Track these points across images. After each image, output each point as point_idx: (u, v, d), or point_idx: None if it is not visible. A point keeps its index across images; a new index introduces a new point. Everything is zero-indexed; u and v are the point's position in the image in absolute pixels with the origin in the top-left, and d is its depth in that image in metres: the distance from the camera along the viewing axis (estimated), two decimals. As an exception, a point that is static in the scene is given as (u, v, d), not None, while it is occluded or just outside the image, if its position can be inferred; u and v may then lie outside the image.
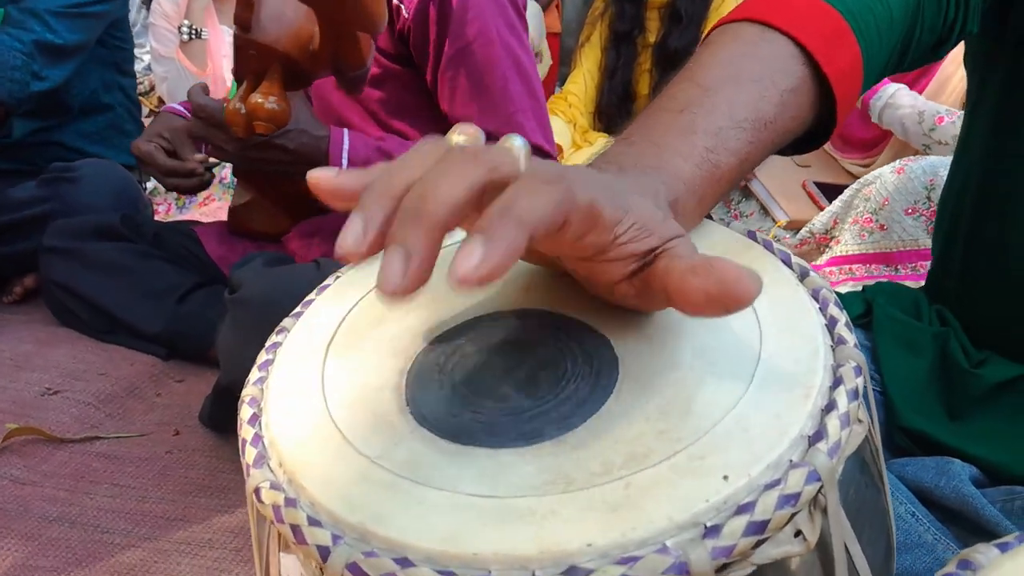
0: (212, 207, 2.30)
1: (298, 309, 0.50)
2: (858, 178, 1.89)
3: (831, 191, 2.05)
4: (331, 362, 0.45)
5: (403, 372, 0.43)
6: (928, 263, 1.69)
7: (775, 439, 0.35)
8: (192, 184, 1.55)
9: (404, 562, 0.33)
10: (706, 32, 0.62)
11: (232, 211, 1.61)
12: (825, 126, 0.59)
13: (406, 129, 1.43)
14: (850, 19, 0.59)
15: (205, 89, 1.38)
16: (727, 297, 0.35)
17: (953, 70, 1.97)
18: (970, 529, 0.68)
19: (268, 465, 0.40)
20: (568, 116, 2.58)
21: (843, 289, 1.66)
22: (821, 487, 0.34)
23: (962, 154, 0.85)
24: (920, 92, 2.02)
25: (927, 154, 1.92)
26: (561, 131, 2.52)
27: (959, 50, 0.81)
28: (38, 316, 1.72)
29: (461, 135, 0.40)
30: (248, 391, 0.45)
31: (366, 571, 0.33)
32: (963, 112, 0.87)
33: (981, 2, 0.69)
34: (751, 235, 0.49)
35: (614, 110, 2.57)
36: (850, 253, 1.80)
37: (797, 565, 0.35)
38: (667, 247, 0.40)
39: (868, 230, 1.78)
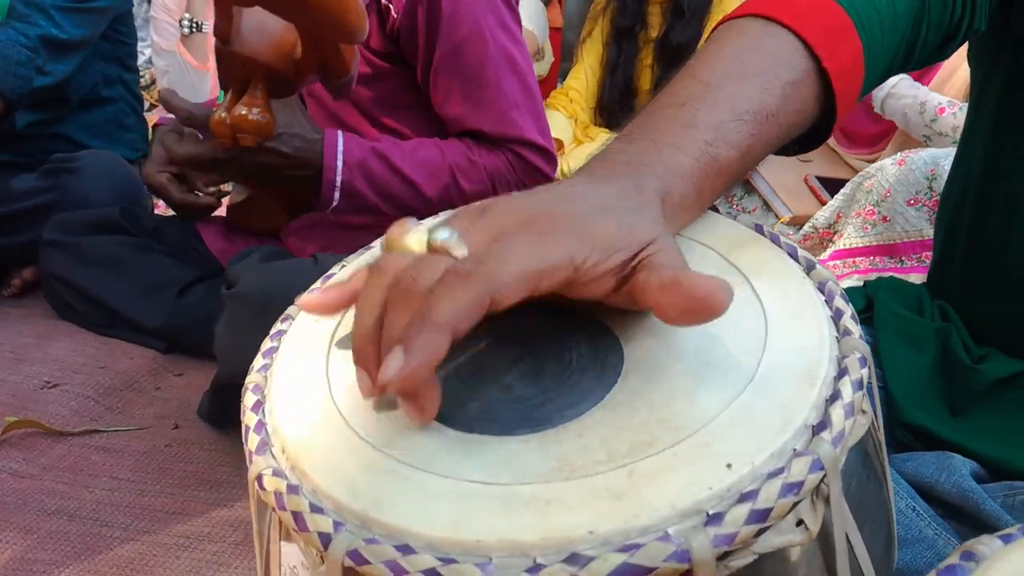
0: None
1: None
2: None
3: (833, 185, 2.05)
4: (336, 350, 0.45)
5: None
6: (931, 253, 1.69)
7: (779, 428, 0.35)
8: (203, 212, 1.56)
9: (405, 549, 0.33)
10: (710, 28, 0.62)
11: (230, 208, 1.61)
12: (827, 122, 0.59)
13: (401, 126, 1.42)
14: (853, 14, 0.59)
15: (174, 94, 1.37)
16: (700, 310, 0.37)
17: (959, 62, 1.97)
18: (971, 524, 0.68)
19: (271, 452, 0.40)
20: (569, 111, 2.58)
21: (848, 283, 1.66)
22: (824, 476, 0.34)
23: (964, 153, 0.85)
24: (928, 82, 2.01)
25: (928, 146, 1.92)
26: (562, 126, 2.52)
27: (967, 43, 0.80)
28: (38, 309, 1.72)
29: (404, 236, 0.42)
30: (252, 378, 0.45)
31: (367, 558, 0.33)
32: (965, 104, 0.87)
33: (988, 1, 0.69)
34: (758, 228, 0.49)
35: (615, 105, 2.57)
36: (854, 246, 1.80)
37: (798, 555, 0.35)
38: (643, 256, 0.41)
39: (871, 223, 1.77)
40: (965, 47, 0.81)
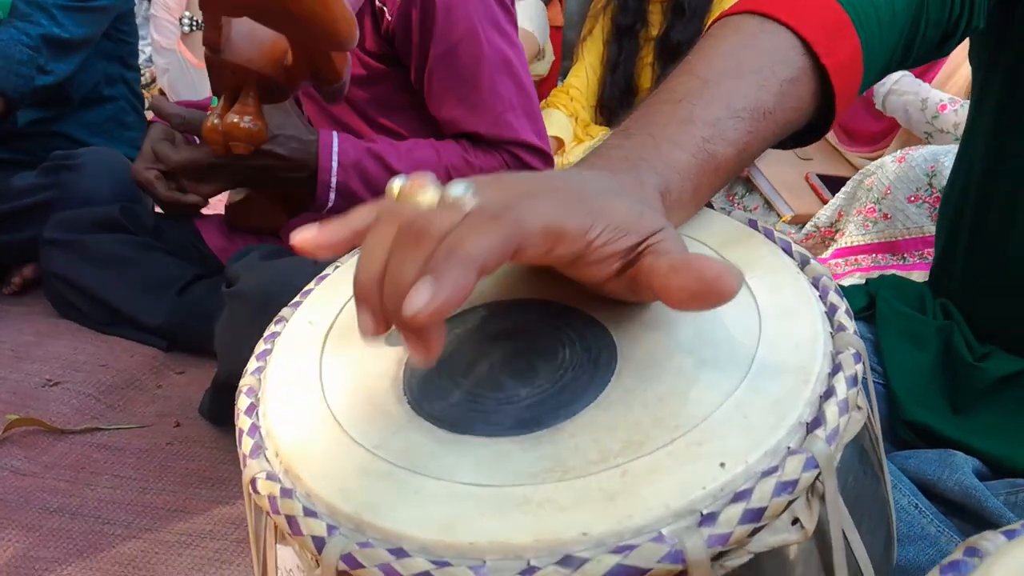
0: (212, 199, 2.30)
1: (297, 299, 0.50)
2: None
3: (834, 183, 2.04)
4: (329, 352, 0.45)
5: (401, 362, 0.43)
6: (933, 250, 1.68)
7: (773, 426, 0.35)
8: (189, 210, 1.54)
9: (399, 552, 0.32)
10: (708, 25, 0.62)
11: (229, 208, 1.61)
12: (825, 118, 0.59)
13: (397, 127, 1.42)
14: (850, 11, 0.59)
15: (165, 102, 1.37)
16: (709, 293, 0.36)
17: (961, 60, 1.96)
18: (973, 522, 0.68)
19: (265, 455, 0.40)
20: (570, 110, 2.57)
21: (850, 280, 1.66)
22: (819, 474, 0.34)
23: (965, 151, 0.84)
24: (931, 79, 2.01)
25: (929, 142, 1.91)
26: (562, 125, 2.51)
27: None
28: (38, 308, 1.72)
29: (413, 189, 0.40)
30: (246, 381, 0.44)
31: (361, 562, 0.33)
32: (966, 101, 0.87)
33: None
34: (752, 223, 0.48)
35: (616, 104, 2.56)
36: (855, 244, 1.79)
37: (794, 553, 0.35)
38: (650, 243, 0.40)
39: (872, 220, 1.77)
40: (966, 45, 0.81)
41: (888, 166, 1.76)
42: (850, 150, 2.25)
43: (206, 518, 1.16)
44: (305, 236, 0.41)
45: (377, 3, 1.30)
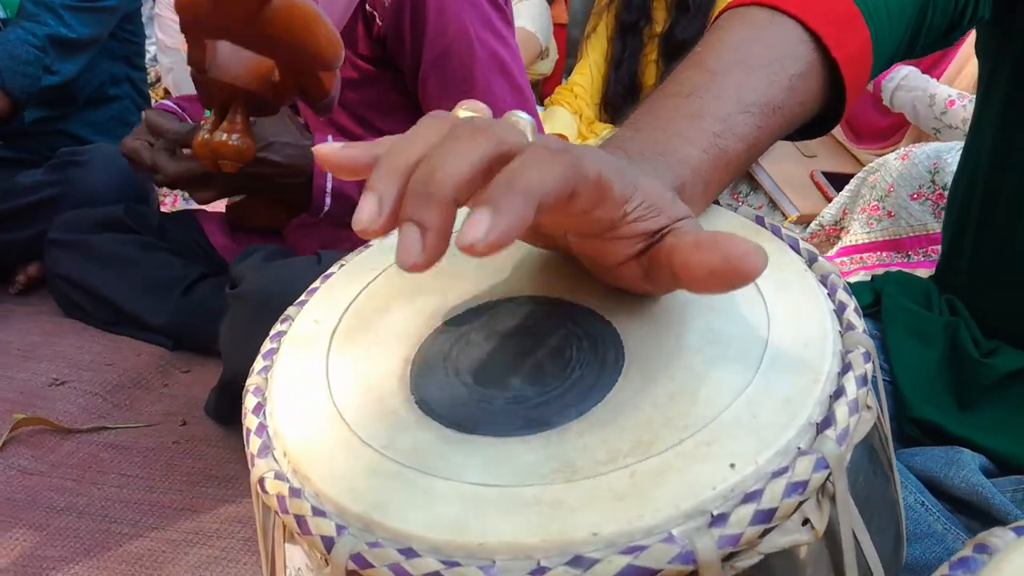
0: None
1: (303, 297, 0.50)
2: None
3: (839, 180, 2.04)
4: (336, 350, 0.45)
5: (408, 361, 0.43)
6: (939, 247, 1.68)
7: (783, 426, 0.34)
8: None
9: (409, 552, 0.32)
10: (715, 15, 0.61)
11: (229, 208, 1.61)
12: (834, 111, 0.59)
13: (394, 128, 1.40)
14: (859, 2, 0.58)
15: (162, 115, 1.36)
16: (732, 272, 0.35)
17: (970, 54, 1.96)
18: (980, 519, 0.68)
19: (273, 455, 0.39)
20: (574, 107, 2.57)
21: (855, 278, 1.65)
22: (829, 475, 0.34)
23: (972, 145, 0.84)
24: (940, 74, 2.00)
25: (938, 138, 1.91)
26: (567, 122, 2.51)
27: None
28: (44, 307, 1.73)
29: (468, 110, 0.39)
30: (252, 380, 0.44)
31: (370, 561, 0.33)
32: (975, 96, 0.87)
33: None
34: (759, 220, 0.48)
35: (620, 101, 2.56)
36: (860, 243, 1.79)
37: (805, 554, 0.35)
38: (675, 226, 0.39)
39: (876, 218, 1.77)
40: (973, 38, 0.81)
41: (891, 163, 1.75)
42: (858, 147, 2.24)
43: (213, 516, 1.16)
44: (329, 149, 0.38)
45: (367, 8, 1.29)
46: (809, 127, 0.59)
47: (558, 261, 0.47)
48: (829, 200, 2.00)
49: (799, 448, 0.34)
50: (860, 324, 0.40)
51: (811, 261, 0.45)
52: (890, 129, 2.15)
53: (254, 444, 0.40)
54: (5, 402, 1.40)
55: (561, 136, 2.47)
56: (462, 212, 0.33)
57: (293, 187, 1.30)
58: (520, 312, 0.44)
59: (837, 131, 2.21)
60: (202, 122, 1.20)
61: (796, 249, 0.46)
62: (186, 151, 1.30)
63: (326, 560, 0.34)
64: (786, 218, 2.09)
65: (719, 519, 0.32)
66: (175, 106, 1.55)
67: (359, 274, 0.50)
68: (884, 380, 0.79)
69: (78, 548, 1.10)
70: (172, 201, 2.35)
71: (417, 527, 0.33)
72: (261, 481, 0.38)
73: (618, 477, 0.34)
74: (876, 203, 1.77)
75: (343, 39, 1.30)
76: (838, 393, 0.36)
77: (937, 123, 1.92)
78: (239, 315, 1.22)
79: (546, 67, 2.92)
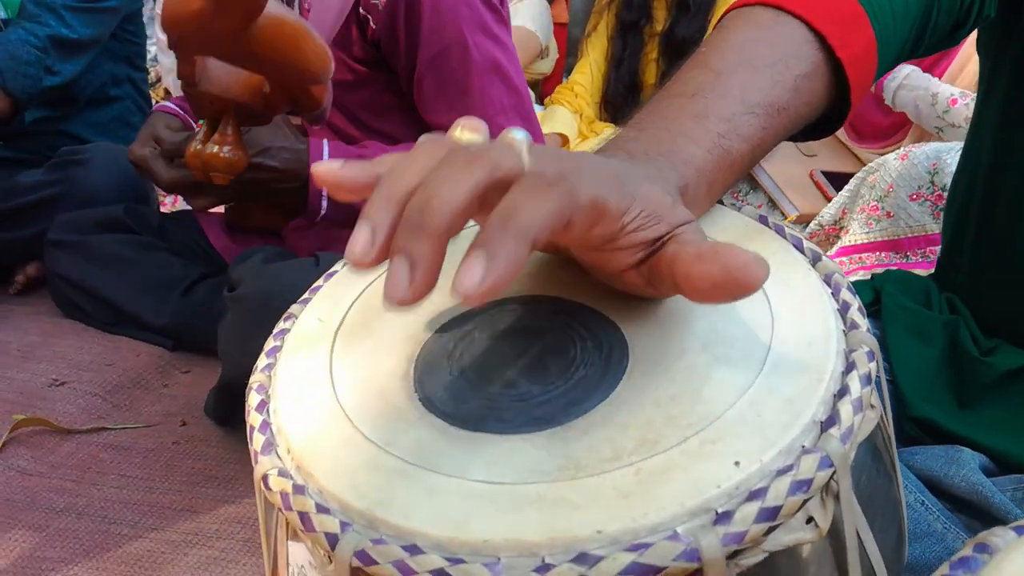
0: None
1: (306, 295, 0.50)
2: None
3: (839, 180, 2.03)
4: (339, 349, 0.45)
5: (412, 358, 0.43)
6: (937, 248, 1.67)
7: (787, 424, 0.34)
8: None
9: (413, 549, 0.32)
10: (715, 22, 0.61)
11: (228, 210, 1.61)
12: (839, 111, 0.59)
13: (390, 128, 1.41)
14: (864, 2, 0.58)
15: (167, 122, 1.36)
16: (733, 283, 0.35)
17: (972, 52, 1.95)
18: (980, 518, 0.68)
19: (276, 452, 0.40)
20: (574, 106, 2.57)
21: (854, 278, 1.65)
22: (833, 473, 0.34)
23: (972, 145, 0.84)
24: (941, 73, 2.00)
25: (940, 137, 1.91)
26: (567, 122, 2.51)
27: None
28: (44, 307, 1.72)
29: (464, 131, 0.39)
30: (256, 378, 0.44)
31: (375, 558, 0.33)
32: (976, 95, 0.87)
33: None
34: (763, 220, 0.48)
35: (621, 100, 2.56)
36: (859, 242, 1.79)
37: (808, 552, 0.35)
38: (676, 233, 0.39)
39: (875, 218, 1.77)
40: (975, 36, 0.81)
41: (891, 163, 1.75)
42: (860, 146, 2.24)
43: (212, 517, 1.16)
44: (327, 169, 0.38)
45: (361, 11, 1.29)
46: (814, 128, 0.59)
47: (562, 261, 0.47)
48: (828, 200, 2.00)
49: (803, 446, 0.34)
50: (864, 323, 0.40)
51: (815, 261, 0.45)
52: (891, 128, 2.15)
53: (257, 441, 0.40)
54: (5, 403, 1.40)
55: (562, 136, 2.47)
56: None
57: (289, 192, 1.29)
58: (524, 311, 0.45)
59: (840, 130, 2.21)
60: (196, 129, 1.20)
61: (800, 249, 0.46)
62: (176, 170, 1.30)
63: (330, 557, 0.34)
64: (785, 218, 2.09)
65: (723, 517, 0.32)
66: (176, 107, 1.55)
67: (363, 273, 0.50)
68: (884, 379, 0.79)
69: (77, 549, 1.10)
70: (172, 201, 2.34)
71: (421, 524, 0.33)
72: (264, 478, 0.38)
73: (622, 475, 0.34)
74: (875, 203, 1.77)
75: (336, 42, 1.30)
76: (842, 392, 0.36)
77: (939, 122, 1.91)
78: (237, 318, 1.22)
79: (546, 66, 2.92)
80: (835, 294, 0.42)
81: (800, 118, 0.54)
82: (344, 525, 0.34)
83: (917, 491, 0.69)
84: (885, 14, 0.59)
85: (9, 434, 1.30)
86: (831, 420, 0.35)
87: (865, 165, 1.90)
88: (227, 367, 1.26)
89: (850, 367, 0.38)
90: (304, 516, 0.35)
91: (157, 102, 2.84)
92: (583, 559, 0.31)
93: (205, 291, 1.58)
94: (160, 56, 2.89)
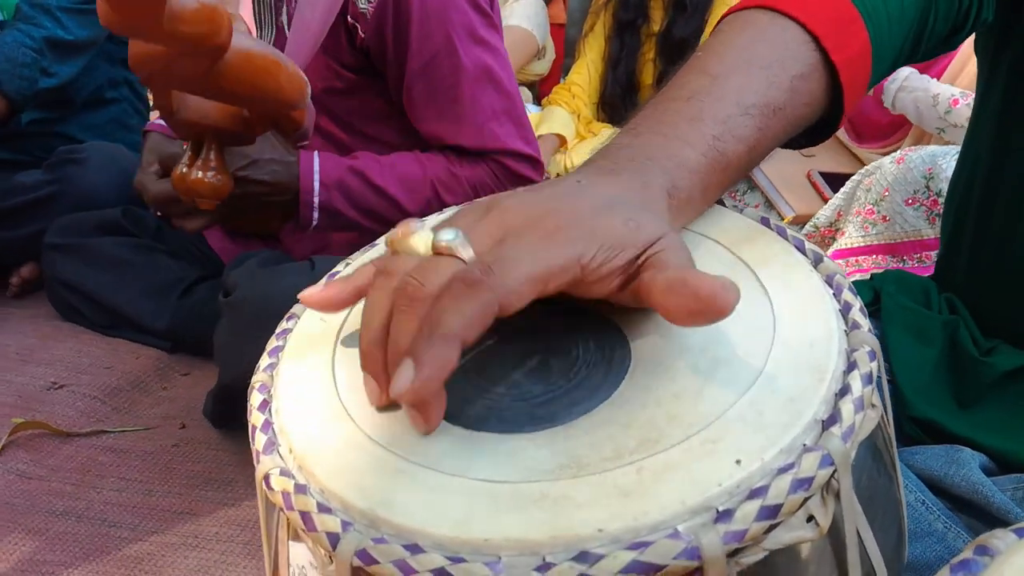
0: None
1: None
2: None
3: (836, 181, 2.03)
4: (341, 348, 0.45)
5: None
6: (933, 253, 1.67)
7: (788, 423, 0.35)
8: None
9: (414, 548, 0.32)
10: (712, 21, 0.61)
11: None
12: (836, 114, 0.59)
13: (382, 134, 1.41)
14: (859, 6, 0.59)
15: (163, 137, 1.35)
16: (707, 310, 0.37)
17: (971, 53, 1.95)
18: (981, 517, 0.68)
19: (278, 452, 0.40)
20: (572, 107, 2.57)
21: (851, 280, 1.65)
22: (834, 472, 0.34)
23: (970, 145, 0.84)
24: (938, 74, 2.00)
25: (942, 138, 1.91)
26: (565, 122, 2.51)
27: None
28: (42, 311, 1.72)
29: (403, 239, 0.41)
30: (258, 377, 0.44)
31: (375, 558, 0.33)
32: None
33: None
34: (764, 221, 0.48)
35: (618, 100, 2.56)
36: (855, 245, 1.79)
37: (809, 550, 0.35)
38: (649, 255, 0.40)
39: (871, 222, 1.77)
40: (973, 37, 0.81)
41: (886, 167, 1.75)
42: (860, 146, 2.24)
43: (212, 520, 1.16)
44: (311, 294, 0.44)
45: (349, 19, 1.28)
46: (811, 132, 0.59)
47: None
48: (825, 201, 2.00)
49: (804, 445, 0.34)
50: (865, 323, 0.40)
51: (817, 262, 0.45)
52: (891, 127, 2.15)
53: (259, 441, 0.40)
54: (3, 406, 1.40)
55: (559, 137, 2.47)
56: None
57: (280, 204, 1.29)
58: (526, 312, 0.44)
59: (840, 130, 2.21)
60: (182, 146, 1.19)
61: (802, 250, 0.46)
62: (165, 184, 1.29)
63: (331, 557, 0.34)
64: (782, 218, 2.09)
65: (724, 515, 0.32)
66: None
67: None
68: (884, 379, 0.79)
69: (77, 552, 1.09)
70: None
71: (422, 523, 0.33)
72: (267, 478, 0.38)
73: (624, 473, 0.34)
74: (871, 207, 1.77)
75: (326, 50, 1.29)
76: (843, 391, 0.37)
77: (941, 123, 1.91)
78: (232, 323, 1.22)
79: (543, 67, 2.92)
80: (837, 295, 0.42)
81: (798, 119, 0.54)
82: (345, 524, 0.34)
83: (918, 491, 0.69)
84: (880, 18, 0.59)
85: (8, 437, 1.30)
86: (832, 419, 0.35)
87: (865, 165, 1.90)
88: (223, 371, 1.26)
89: (851, 366, 0.38)
90: (305, 515, 0.35)
91: (150, 122, 2.83)
92: (584, 557, 0.31)
93: (203, 293, 1.58)
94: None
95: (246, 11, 1.39)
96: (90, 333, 1.63)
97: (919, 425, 0.77)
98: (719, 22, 0.60)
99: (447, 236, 0.39)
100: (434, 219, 0.45)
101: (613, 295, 0.41)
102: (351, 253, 0.54)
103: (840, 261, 1.80)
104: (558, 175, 2.35)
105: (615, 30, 2.57)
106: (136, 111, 2.14)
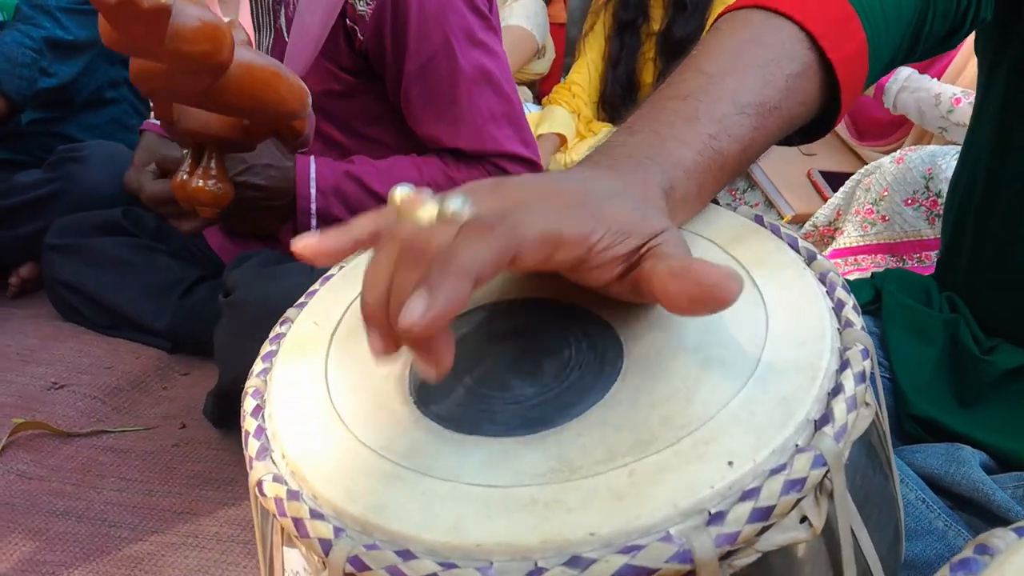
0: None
1: (302, 299, 0.50)
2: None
3: (837, 180, 2.03)
4: (335, 352, 0.45)
5: (406, 362, 0.43)
6: (933, 253, 1.67)
7: (781, 423, 0.34)
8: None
9: (406, 554, 0.32)
10: (712, 20, 0.61)
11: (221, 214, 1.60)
12: (832, 112, 0.59)
13: (381, 136, 1.40)
14: (856, 4, 0.58)
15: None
16: (709, 299, 0.36)
17: (972, 52, 1.95)
18: (981, 516, 0.68)
19: (271, 457, 0.39)
20: (572, 106, 2.57)
21: (850, 279, 1.65)
22: (827, 472, 0.34)
23: (970, 144, 0.84)
24: (937, 73, 2.00)
25: (944, 137, 1.90)
26: (565, 121, 2.51)
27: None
28: (42, 311, 1.72)
29: (400, 195, 0.41)
30: (251, 382, 0.44)
31: (368, 564, 0.32)
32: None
33: None
34: (758, 219, 0.48)
35: (618, 100, 2.56)
36: (854, 245, 1.79)
37: (803, 551, 0.35)
38: (651, 245, 0.40)
39: (870, 222, 1.77)
40: (973, 36, 0.81)
41: (886, 167, 1.75)
42: (861, 144, 2.24)
43: (212, 520, 1.16)
44: (306, 243, 0.42)
45: (348, 22, 1.28)
46: (807, 130, 0.59)
47: None
48: (825, 200, 2.00)
49: (797, 445, 0.34)
50: (859, 321, 0.40)
51: (810, 259, 0.45)
52: (892, 125, 2.14)
53: (252, 447, 0.40)
54: (4, 406, 1.40)
55: (560, 136, 2.47)
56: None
57: (276, 209, 1.29)
58: (518, 313, 0.44)
59: (840, 128, 2.20)
60: (182, 152, 1.19)
61: (795, 248, 0.46)
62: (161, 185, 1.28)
63: (324, 563, 0.34)
64: (781, 217, 2.09)
65: (717, 517, 0.32)
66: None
67: (358, 276, 0.49)
68: (884, 377, 0.79)
69: (77, 552, 1.10)
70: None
71: (414, 529, 0.33)
72: (259, 484, 0.38)
73: (616, 476, 0.34)
74: (870, 206, 1.76)
75: (325, 53, 1.29)
76: (836, 390, 0.36)
77: (944, 122, 1.91)
78: (233, 323, 1.22)
79: (543, 66, 2.92)
80: (830, 292, 0.42)
81: (794, 118, 0.54)
82: (338, 531, 0.34)
83: (918, 489, 0.69)
84: (877, 17, 0.59)
85: (8, 438, 1.30)
86: (825, 418, 0.35)
87: (866, 164, 1.90)
88: (224, 372, 1.26)
89: (844, 365, 0.37)
90: (298, 522, 0.35)
91: (147, 120, 2.83)
92: (576, 562, 0.31)
93: (204, 293, 1.58)
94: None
95: (244, 13, 1.39)
96: (90, 333, 1.63)
97: (920, 423, 0.77)
98: (715, 21, 0.60)
99: (454, 203, 0.39)
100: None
101: (611, 284, 0.41)
102: None
103: (839, 260, 1.79)
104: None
105: (615, 29, 2.56)
106: (136, 111, 2.15)
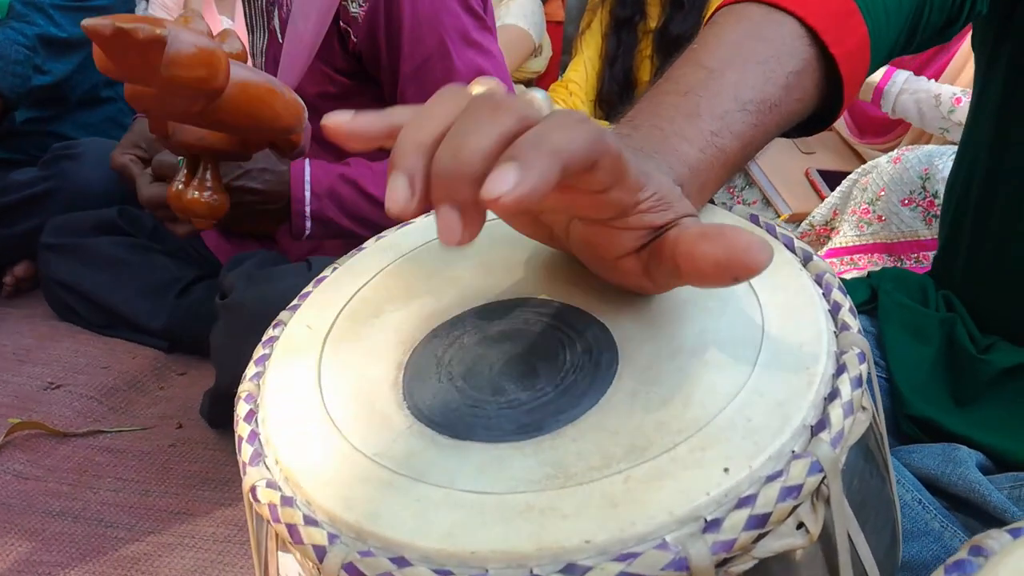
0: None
1: (295, 302, 0.50)
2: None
3: (835, 179, 2.02)
4: (328, 356, 0.44)
5: (401, 366, 0.43)
6: (930, 253, 1.67)
7: (777, 429, 0.34)
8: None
9: (401, 561, 0.32)
10: (711, 12, 0.61)
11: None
12: (831, 108, 0.59)
13: None
14: None
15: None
16: (736, 265, 0.35)
17: (971, 51, 1.94)
18: (977, 516, 0.68)
19: (264, 463, 0.39)
20: (569, 104, 2.56)
21: (847, 279, 1.65)
22: (824, 478, 0.34)
23: (968, 141, 0.84)
24: (933, 74, 1.99)
25: (944, 138, 1.90)
26: (562, 120, 2.50)
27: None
28: (39, 310, 1.72)
29: (482, 87, 0.38)
30: (244, 387, 0.44)
31: (362, 571, 0.32)
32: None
33: None
34: (754, 219, 0.48)
35: (615, 98, 2.55)
36: (851, 244, 1.78)
37: (800, 557, 0.34)
38: (679, 222, 0.39)
39: (867, 221, 1.76)
40: (969, 33, 0.81)
41: (883, 166, 1.75)
42: (861, 142, 2.23)
43: (208, 520, 1.16)
44: (338, 121, 0.37)
45: (341, 24, 1.28)
46: (806, 124, 0.59)
47: (552, 264, 0.46)
48: (823, 199, 1.99)
49: (793, 452, 0.34)
50: (855, 324, 0.40)
51: (806, 260, 0.44)
52: (892, 122, 2.14)
53: (246, 452, 0.40)
54: (0, 407, 1.39)
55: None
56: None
57: (272, 212, 1.28)
58: (513, 315, 0.44)
59: (840, 125, 2.20)
60: (179, 159, 1.19)
61: (791, 248, 0.45)
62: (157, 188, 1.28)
63: (318, 569, 0.34)
64: (778, 216, 2.09)
65: (713, 525, 0.31)
66: None
67: (352, 278, 0.49)
68: (880, 377, 0.79)
69: (74, 553, 1.09)
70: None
71: (409, 536, 0.33)
72: (253, 490, 0.37)
73: (612, 483, 0.33)
74: (867, 206, 1.76)
75: (319, 55, 1.29)
76: (832, 395, 0.36)
77: (945, 122, 1.90)
78: (229, 325, 1.22)
79: (539, 65, 2.91)
80: (826, 294, 0.42)
81: (791, 115, 0.54)
82: (332, 537, 0.34)
83: (915, 490, 0.69)
84: (878, 10, 0.59)
85: (4, 438, 1.30)
86: (821, 424, 0.35)
87: (866, 161, 1.89)
88: (220, 373, 1.26)
89: (841, 369, 0.37)
90: (292, 528, 0.35)
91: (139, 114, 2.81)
92: (571, 569, 0.31)
93: (200, 293, 1.58)
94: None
95: (238, 15, 1.39)
96: (87, 333, 1.63)
97: (916, 423, 0.77)
98: (712, 14, 0.59)
99: (536, 93, 0.37)
100: None
101: (627, 257, 0.40)
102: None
103: (835, 259, 1.79)
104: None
105: (612, 27, 2.56)
106: (131, 110, 2.14)
